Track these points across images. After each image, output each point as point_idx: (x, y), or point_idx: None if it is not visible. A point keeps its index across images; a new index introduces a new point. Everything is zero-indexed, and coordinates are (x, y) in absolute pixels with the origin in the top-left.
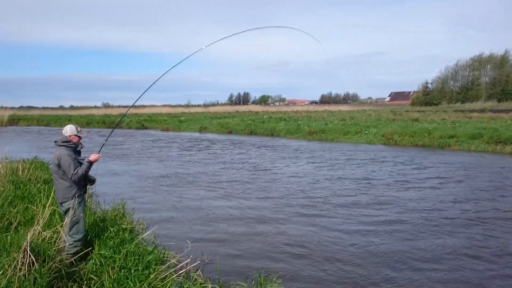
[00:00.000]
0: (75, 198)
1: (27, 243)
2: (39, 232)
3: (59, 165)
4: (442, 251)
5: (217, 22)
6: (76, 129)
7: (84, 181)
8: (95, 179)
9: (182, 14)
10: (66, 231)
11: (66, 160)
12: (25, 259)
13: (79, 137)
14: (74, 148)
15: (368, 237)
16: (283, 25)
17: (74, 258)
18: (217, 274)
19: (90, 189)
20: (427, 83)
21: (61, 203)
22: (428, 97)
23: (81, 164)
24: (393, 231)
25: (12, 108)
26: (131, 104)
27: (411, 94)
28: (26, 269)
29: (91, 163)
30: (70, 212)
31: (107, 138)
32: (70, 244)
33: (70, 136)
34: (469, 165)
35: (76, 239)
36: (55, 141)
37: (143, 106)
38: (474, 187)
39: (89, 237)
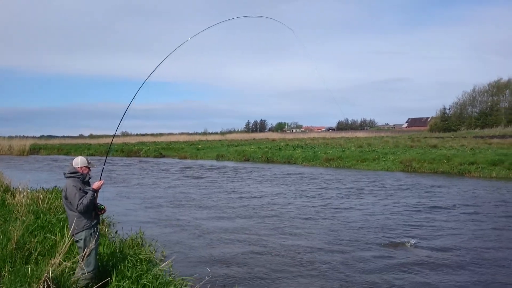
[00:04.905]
0: (86, 229)
1: (48, 274)
2: (59, 263)
3: (66, 197)
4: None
5: (239, 49)
6: (87, 160)
7: (95, 211)
8: (104, 207)
9: (203, 45)
10: (84, 264)
11: (71, 191)
12: None
13: (89, 168)
14: (82, 179)
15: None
16: (257, 15)
17: None
18: None
19: (109, 218)
20: (445, 108)
21: (72, 235)
22: (447, 123)
23: (86, 194)
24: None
25: (34, 137)
26: (149, 132)
27: (428, 120)
28: None
29: (95, 191)
30: (81, 244)
31: (104, 163)
32: (80, 277)
33: (81, 167)
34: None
35: (86, 272)
36: (64, 173)
37: (161, 134)
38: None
39: (107, 267)
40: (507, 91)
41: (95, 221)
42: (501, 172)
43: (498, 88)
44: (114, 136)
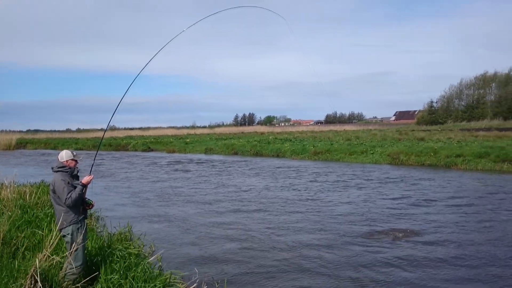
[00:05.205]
0: (73, 224)
1: (35, 269)
2: (46, 258)
3: (54, 191)
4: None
5: (227, 43)
6: (72, 153)
7: (83, 206)
8: (92, 202)
9: (190, 38)
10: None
11: (60, 185)
12: (33, 285)
13: (75, 161)
14: (70, 172)
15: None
16: (254, 5)
17: (76, 285)
18: None
19: (97, 212)
20: (432, 102)
21: (60, 229)
22: (434, 116)
23: (75, 188)
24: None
25: (20, 131)
26: (137, 126)
27: (416, 113)
28: None
29: (84, 186)
30: (68, 238)
31: (94, 158)
32: (68, 272)
33: (66, 161)
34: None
35: (74, 267)
36: (52, 168)
37: (149, 128)
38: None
39: (95, 261)
40: (493, 84)
41: (82, 215)
42: (487, 165)
43: (485, 81)
44: (106, 130)
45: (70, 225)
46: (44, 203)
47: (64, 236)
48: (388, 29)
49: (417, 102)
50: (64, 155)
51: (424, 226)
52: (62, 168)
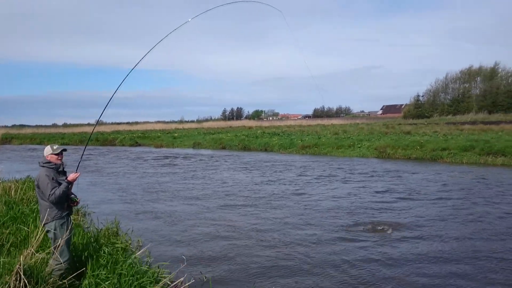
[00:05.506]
0: (56, 220)
1: (20, 265)
2: (32, 254)
3: (38, 186)
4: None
5: (216, 37)
6: (52, 147)
7: (67, 202)
8: (77, 200)
9: (177, 32)
10: (53, 254)
11: (44, 180)
12: (18, 282)
13: (56, 155)
14: (56, 168)
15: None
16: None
17: (63, 281)
18: None
19: (84, 207)
20: (418, 96)
21: (44, 225)
22: (420, 110)
23: (60, 184)
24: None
25: (5, 126)
26: (125, 121)
27: (403, 107)
28: None
29: (69, 183)
30: (51, 234)
31: (82, 155)
32: (53, 268)
33: (47, 156)
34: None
35: (59, 263)
36: (39, 163)
37: (137, 123)
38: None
39: (82, 257)
40: (478, 78)
41: (66, 212)
42: (472, 158)
43: (470, 75)
44: (95, 125)
45: (53, 221)
46: (30, 199)
47: (48, 231)
48: (375, 23)
49: (404, 96)
50: (45, 151)
51: (409, 219)
52: (47, 164)
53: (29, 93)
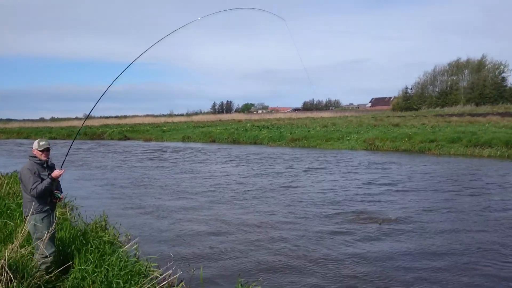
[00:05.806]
0: (37, 214)
1: (5, 260)
2: (17, 249)
3: (21, 179)
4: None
5: (207, 33)
6: (38, 143)
7: (50, 198)
8: (60, 196)
9: (170, 24)
10: (36, 248)
11: (26, 174)
12: (3, 276)
13: (41, 152)
14: (41, 163)
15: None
16: (249, 7)
17: (49, 275)
18: (201, 285)
19: (71, 201)
20: (406, 88)
21: (26, 217)
22: (408, 102)
23: (43, 180)
24: None
25: None
26: (113, 115)
27: (391, 99)
28: (4, 286)
29: (53, 180)
30: (31, 228)
31: (68, 151)
32: (38, 261)
33: (33, 150)
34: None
35: (43, 256)
36: (29, 155)
37: (125, 117)
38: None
39: (69, 251)
40: (466, 70)
41: (47, 207)
42: (459, 149)
43: (458, 67)
44: (85, 119)
45: (33, 215)
46: (16, 194)
47: (29, 224)
48: (363, 16)
49: (393, 89)
50: (34, 145)
51: (396, 211)
52: (33, 158)
53: (14, 87)
